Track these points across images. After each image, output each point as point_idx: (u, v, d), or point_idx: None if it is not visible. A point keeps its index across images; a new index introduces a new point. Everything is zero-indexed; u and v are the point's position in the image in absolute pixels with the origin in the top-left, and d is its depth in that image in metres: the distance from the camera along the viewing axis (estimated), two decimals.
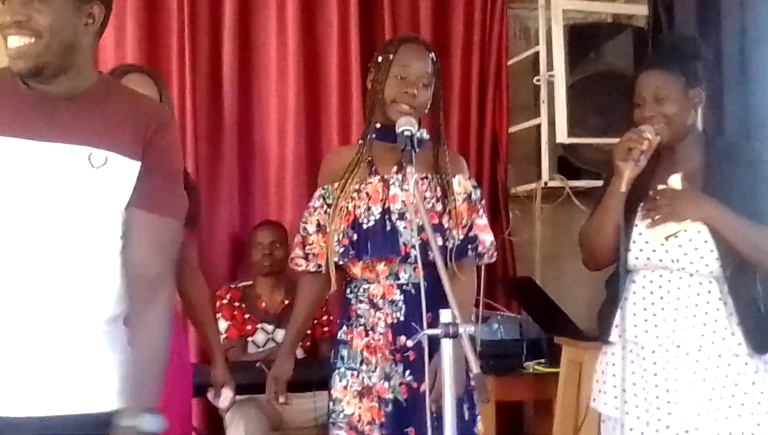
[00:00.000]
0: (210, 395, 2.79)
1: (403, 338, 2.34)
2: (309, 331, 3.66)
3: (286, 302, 3.69)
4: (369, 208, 2.39)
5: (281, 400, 2.56)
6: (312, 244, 2.47)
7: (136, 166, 1.76)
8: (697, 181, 2.39)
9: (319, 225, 2.46)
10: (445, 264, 2.27)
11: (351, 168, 2.43)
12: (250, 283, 3.80)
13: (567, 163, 4.22)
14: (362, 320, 2.42)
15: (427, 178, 2.42)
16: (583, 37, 4.23)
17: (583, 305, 3.49)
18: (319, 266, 2.46)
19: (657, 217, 2.36)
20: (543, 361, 3.57)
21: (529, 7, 4.32)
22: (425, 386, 2.19)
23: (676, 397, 2.31)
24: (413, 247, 2.27)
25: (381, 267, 2.39)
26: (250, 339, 3.70)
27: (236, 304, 3.73)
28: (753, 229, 2.32)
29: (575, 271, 4.23)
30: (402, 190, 2.37)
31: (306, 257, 2.49)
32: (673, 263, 2.34)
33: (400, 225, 2.34)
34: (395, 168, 2.40)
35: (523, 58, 4.34)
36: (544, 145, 4.16)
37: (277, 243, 3.75)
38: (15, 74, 1.73)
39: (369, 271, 2.41)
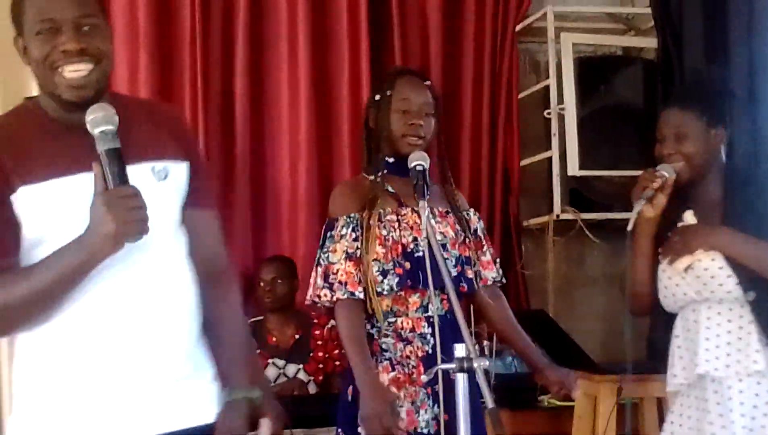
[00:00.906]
0: None
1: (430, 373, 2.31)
2: (321, 366, 3.66)
3: (297, 337, 3.67)
4: (416, 239, 2.39)
5: (401, 425, 2.32)
6: (337, 272, 2.38)
7: (186, 166, 1.79)
8: (717, 214, 2.40)
9: (347, 253, 2.39)
10: (472, 293, 2.41)
11: (372, 196, 2.42)
12: (260, 318, 3.78)
13: (579, 195, 4.22)
14: (387, 354, 2.40)
15: (449, 212, 2.46)
16: (593, 70, 4.26)
17: (597, 338, 3.47)
18: (352, 294, 2.36)
19: (671, 255, 2.37)
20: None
21: (538, 41, 4.33)
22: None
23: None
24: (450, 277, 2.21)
25: (414, 298, 2.39)
26: None
27: None
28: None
29: (588, 303, 4.24)
30: (435, 223, 2.39)
31: (331, 287, 2.38)
32: (697, 295, 2.35)
33: (444, 256, 2.29)
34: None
35: (533, 91, 4.35)
36: (555, 177, 4.16)
37: (279, 278, 3.72)
38: (71, 103, 1.70)
39: (400, 304, 2.40)
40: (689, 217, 2.41)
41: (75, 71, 1.66)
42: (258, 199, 4.02)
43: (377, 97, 2.48)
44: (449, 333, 2.19)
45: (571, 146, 4.07)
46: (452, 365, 1.75)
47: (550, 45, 4.18)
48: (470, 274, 2.44)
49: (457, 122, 4.20)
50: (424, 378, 2.30)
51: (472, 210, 2.59)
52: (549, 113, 4.16)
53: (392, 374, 2.38)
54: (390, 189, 2.46)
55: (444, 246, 2.37)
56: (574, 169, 4.08)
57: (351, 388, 2.42)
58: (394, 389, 2.36)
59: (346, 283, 2.37)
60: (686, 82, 3.17)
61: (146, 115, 1.83)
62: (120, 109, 1.70)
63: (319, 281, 2.41)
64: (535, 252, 4.34)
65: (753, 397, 2.29)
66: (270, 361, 3.67)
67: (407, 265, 2.37)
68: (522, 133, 4.33)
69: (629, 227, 2.36)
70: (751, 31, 3.44)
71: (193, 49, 3.90)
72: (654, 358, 2.59)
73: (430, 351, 2.36)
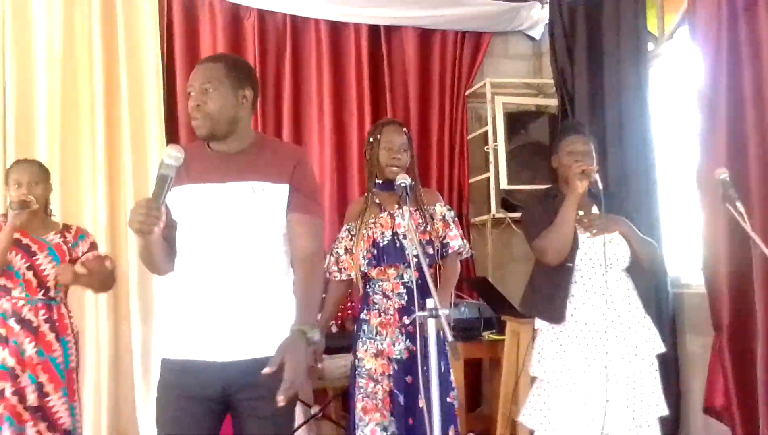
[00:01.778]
0: None
1: (405, 318, 2.33)
2: (339, 313, 3.65)
3: (323, 295, 3.62)
4: (383, 233, 2.38)
5: (319, 365, 2.48)
6: (342, 261, 2.44)
7: (285, 188, 1.73)
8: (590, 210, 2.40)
9: (346, 248, 2.44)
10: (434, 264, 2.32)
11: (364, 209, 2.43)
12: None
13: (507, 202, 4.19)
14: (377, 306, 2.40)
15: (417, 210, 2.42)
16: (516, 121, 4.23)
17: (519, 295, 3.49)
18: (349, 275, 2.43)
19: (594, 231, 2.32)
20: (494, 331, 3.55)
21: (480, 101, 4.31)
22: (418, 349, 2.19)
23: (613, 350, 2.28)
24: (414, 257, 2.23)
25: (391, 271, 2.38)
26: None
27: None
28: (642, 239, 2.36)
29: (514, 272, 4.25)
30: (403, 219, 2.36)
31: (339, 270, 2.45)
32: (608, 261, 2.30)
33: (405, 243, 2.32)
34: (396, 206, 2.40)
35: (477, 134, 4.33)
36: (492, 190, 4.13)
37: None
38: (201, 140, 1.77)
39: (382, 274, 2.40)
40: (594, 210, 2.39)
41: (194, 119, 1.73)
42: None
43: (371, 139, 2.45)
44: (419, 293, 2.14)
45: (502, 170, 4.06)
46: (425, 313, 1.71)
47: (489, 104, 4.17)
48: (431, 250, 2.36)
49: (426, 154, 4.21)
50: (406, 320, 2.28)
51: (441, 203, 2.48)
52: (487, 149, 4.14)
53: (379, 319, 2.36)
54: (377, 201, 2.44)
55: (404, 235, 2.31)
56: (504, 184, 4.07)
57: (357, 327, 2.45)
58: (380, 329, 2.34)
59: (347, 269, 2.43)
60: (570, 124, 3.13)
61: (270, 151, 1.78)
62: (254, 144, 1.77)
63: (333, 266, 2.45)
64: (479, 239, 4.33)
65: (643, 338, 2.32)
66: None
67: (375, 251, 2.36)
68: (470, 162, 4.32)
69: (580, 190, 2.24)
70: (619, 95, 3.45)
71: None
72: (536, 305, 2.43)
73: (405, 304, 2.35)
